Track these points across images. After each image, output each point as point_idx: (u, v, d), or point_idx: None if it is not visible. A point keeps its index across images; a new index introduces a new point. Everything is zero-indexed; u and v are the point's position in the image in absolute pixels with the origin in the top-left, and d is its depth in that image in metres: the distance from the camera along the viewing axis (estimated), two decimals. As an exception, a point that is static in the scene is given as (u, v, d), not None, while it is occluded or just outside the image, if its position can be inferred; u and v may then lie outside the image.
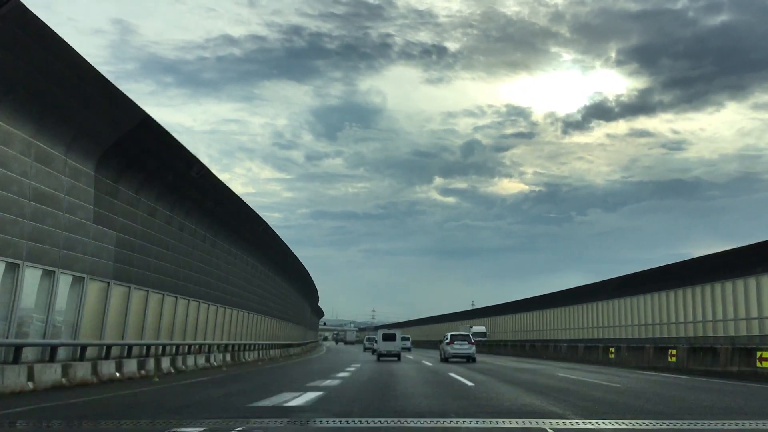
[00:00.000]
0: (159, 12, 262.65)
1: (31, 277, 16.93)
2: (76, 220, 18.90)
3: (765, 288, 29.63)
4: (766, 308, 29.50)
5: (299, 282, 71.37)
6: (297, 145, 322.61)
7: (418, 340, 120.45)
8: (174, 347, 27.65)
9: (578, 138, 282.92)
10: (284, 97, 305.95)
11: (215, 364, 30.95)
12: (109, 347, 21.13)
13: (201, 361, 29.73)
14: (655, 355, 30.53)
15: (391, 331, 46.72)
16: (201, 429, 8.91)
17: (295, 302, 72.79)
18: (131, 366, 21.89)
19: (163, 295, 26.20)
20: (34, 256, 16.80)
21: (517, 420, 10.20)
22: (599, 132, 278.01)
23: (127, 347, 22.73)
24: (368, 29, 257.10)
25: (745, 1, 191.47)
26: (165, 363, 25.10)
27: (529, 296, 75.95)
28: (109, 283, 21.35)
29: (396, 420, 10.06)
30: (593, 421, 10.22)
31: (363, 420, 9.98)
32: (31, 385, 15.55)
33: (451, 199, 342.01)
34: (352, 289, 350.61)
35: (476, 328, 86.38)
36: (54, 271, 17.62)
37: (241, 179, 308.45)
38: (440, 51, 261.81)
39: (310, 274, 76.88)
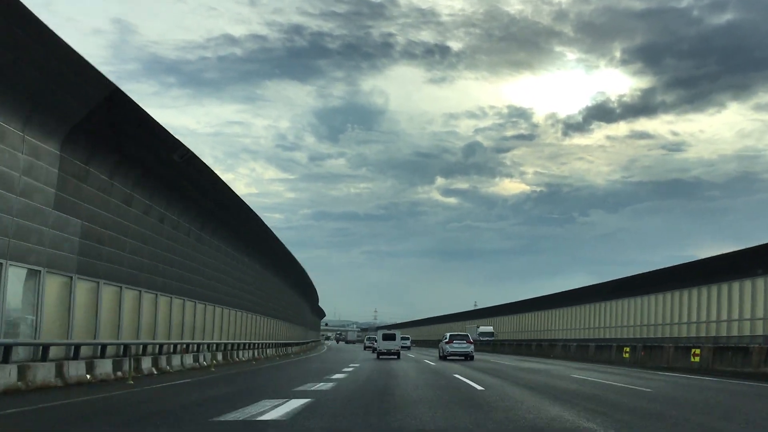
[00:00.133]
0: (159, 11, 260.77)
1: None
2: (32, 205, 16.71)
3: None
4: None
5: (297, 282, 69.26)
6: (300, 147, 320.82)
7: (421, 339, 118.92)
8: (157, 347, 25.48)
9: (578, 140, 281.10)
10: (286, 98, 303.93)
11: (204, 364, 28.80)
12: (77, 347, 18.96)
13: (189, 361, 27.60)
14: (676, 355, 28.28)
15: (391, 332, 47.40)
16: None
17: (293, 302, 70.67)
18: (105, 367, 19.78)
19: (140, 291, 24.02)
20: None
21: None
22: (599, 134, 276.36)
23: (100, 347, 20.58)
24: (370, 28, 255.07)
25: (749, 0, 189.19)
26: (146, 363, 22.98)
27: (532, 297, 73.96)
28: (72, 277, 19.14)
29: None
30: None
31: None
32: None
33: (452, 200, 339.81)
34: (354, 290, 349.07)
35: (483, 328, 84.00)
36: (2, 263, 15.44)
37: (245, 179, 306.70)
38: (443, 50, 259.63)
39: (310, 275, 75.10)
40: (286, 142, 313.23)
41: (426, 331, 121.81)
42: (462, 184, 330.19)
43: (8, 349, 15.42)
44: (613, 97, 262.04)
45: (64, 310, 18.93)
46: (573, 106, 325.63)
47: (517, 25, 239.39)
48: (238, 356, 36.81)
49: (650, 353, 30.93)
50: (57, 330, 18.52)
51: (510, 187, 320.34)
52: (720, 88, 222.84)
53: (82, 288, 19.90)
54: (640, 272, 44.84)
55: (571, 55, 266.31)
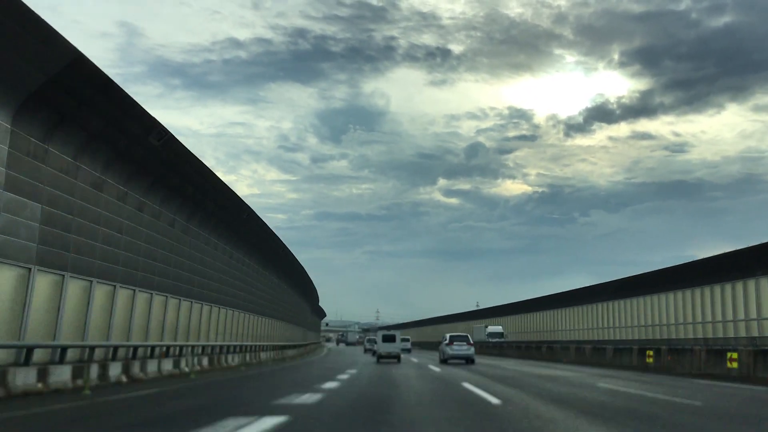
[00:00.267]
0: (164, 14, 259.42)
1: None
2: (-27, 183, 14.25)
3: None
4: None
5: (296, 280, 66.74)
6: (302, 148, 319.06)
7: (422, 341, 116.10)
8: (130, 350, 22.97)
9: (580, 140, 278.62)
10: (289, 99, 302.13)
11: (186, 370, 26.26)
12: (30, 350, 16.47)
13: (168, 366, 25.07)
14: (709, 360, 25.59)
15: (391, 333, 45.09)
16: None
17: (292, 301, 68.11)
18: (62, 374, 17.32)
19: (115, 286, 21.51)
20: None
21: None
22: (601, 134, 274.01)
23: (59, 350, 18.08)
24: (372, 32, 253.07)
25: (748, 2, 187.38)
26: (114, 370, 20.48)
27: (537, 296, 70.92)
28: (30, 269, 16.67)
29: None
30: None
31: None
32: None
33: (454, 201, 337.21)
34: (356, 291, 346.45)
35: (492, 328, 78.94)
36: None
37: (247, 180, 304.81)
38: (444, 53, 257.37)
39: (313, 275, 72.84)
40: (289, 143, 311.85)
41: (429, 332, 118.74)
42: (464, 185, 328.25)
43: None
44: (612, 99, 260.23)
45: (17, 307, 16.42)
46: (573, 108, 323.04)
47: (517, 28, 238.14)
48: (226, 361, 34.25)
49: (678, 357, 28.16)
50: (6, 330, 16.02)
51: (512, 188, 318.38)
52: (718, 89, 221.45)
53: (43, 282, 17.41)
54: (660, 268, 42.10)
55: (570, 57, 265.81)
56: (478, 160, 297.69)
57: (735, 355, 23.64)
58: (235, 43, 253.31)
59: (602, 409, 12.62)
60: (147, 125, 20.54)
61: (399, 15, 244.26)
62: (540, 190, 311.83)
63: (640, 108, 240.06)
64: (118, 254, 21.73)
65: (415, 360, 46.46)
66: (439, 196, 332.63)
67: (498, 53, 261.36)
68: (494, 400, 14.01)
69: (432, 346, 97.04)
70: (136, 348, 23.17)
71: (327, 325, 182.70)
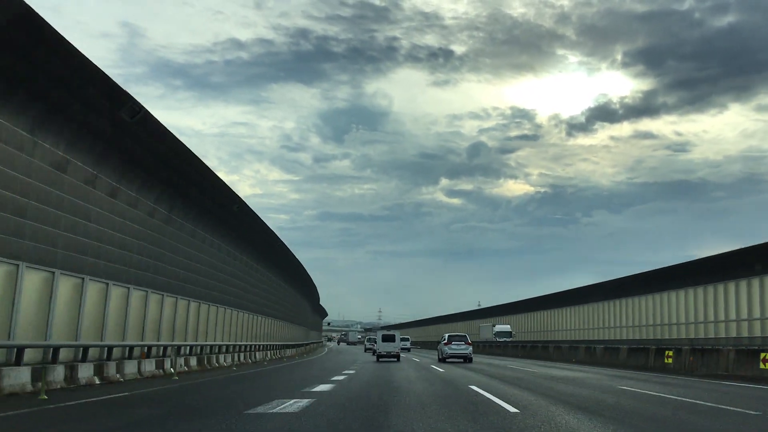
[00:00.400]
0: (166, 15, 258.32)
1: None
2: None
3: None
4: None
5: (295, 278, 64.66)
6: (305, 148, 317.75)
7: (424, 341, 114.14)
8: (105, 350, 20.87)
9: (582, 140, 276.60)
10: (291, 100, 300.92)
11: (170, 370, 24.13)
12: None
13: (149, 367, 23.00)
14: (739, 360, 23.37)
15: (391, 332, 45.47)
16: None
17: (291, 299, 66.00)
18: (19, 377, 15.34)
19: (83, 279, 19.37)
20: None
21: None
22: (603, 134, 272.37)
23: (15, 350, 15.97)
24: (375, 32, 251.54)
25: (752, 2, 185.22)
26: (85, 371, 18.44)
27: (542, 294, 68.51)
28: (-26, 257, 14.58)
29: None
30: None
31: None
32: None
33: (456, 201, 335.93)
34: (358, 291, 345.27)
35: (500, 327, 76.12)
36: None
37: (250, 180, 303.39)
38: (446, 54, 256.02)
39: (315, 275, 70.98)
40: (291, 142, 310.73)
41: (431, 332, 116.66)
42: (466, 185, 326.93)
43: None
44: (615, 99, 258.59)
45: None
46: (575, 107, 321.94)
47: (520, 28, 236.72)
48: (217, 361, 32.13)
49: (702, 358, 25.92)
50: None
51: (514, 188, 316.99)
52: (721, 89, 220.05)
53: (-7, 272, 15.35)
54: (674, 263, 39.78)
55: (573, 57, 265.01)
56: (481, 160, 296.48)
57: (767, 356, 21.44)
58: (237, 44, 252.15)
59: (634, 417, 10.47)
60: (115, 97, 18.36)
61: (401, 15, 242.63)
62: (542, 190, 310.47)
63: (642, 108, 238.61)
64: (88, 244, 19.61)
65: (416, 359, 44.40)
66: (441, 197, 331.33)
67: (500, 53, 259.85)
68: (510, 408, 11.86)
69: (434, 345, 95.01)
70: (111, 348, 21.08)
71: (329, 324, 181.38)
